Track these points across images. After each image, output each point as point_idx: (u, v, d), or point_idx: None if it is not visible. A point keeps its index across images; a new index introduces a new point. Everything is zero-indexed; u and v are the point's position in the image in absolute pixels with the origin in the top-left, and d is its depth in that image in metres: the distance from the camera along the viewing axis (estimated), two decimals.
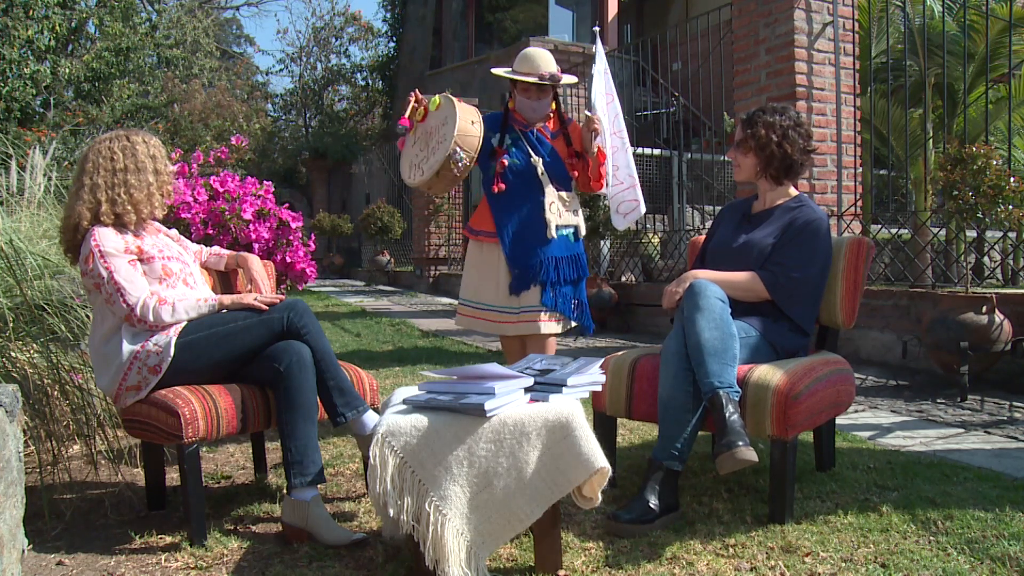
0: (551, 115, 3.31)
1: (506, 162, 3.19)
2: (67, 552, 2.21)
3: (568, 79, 3.25)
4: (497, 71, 3.33)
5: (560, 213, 3.21)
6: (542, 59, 3.19)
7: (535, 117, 3.25)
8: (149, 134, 2.55)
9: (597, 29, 3.97)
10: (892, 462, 2.85)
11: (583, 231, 3.33)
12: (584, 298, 3.32)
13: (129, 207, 2.41)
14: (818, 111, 5.29)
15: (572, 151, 3.28)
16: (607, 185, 3.49)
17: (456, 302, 3.50)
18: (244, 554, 2.16)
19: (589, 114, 3.27)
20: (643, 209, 3.80)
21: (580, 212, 3.32)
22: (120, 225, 2.42)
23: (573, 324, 3.28)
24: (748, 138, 2.69)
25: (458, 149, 2.94)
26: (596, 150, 3.26)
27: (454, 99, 3.04)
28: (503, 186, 3.18)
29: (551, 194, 3.20)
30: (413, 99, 3.13)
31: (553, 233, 3.18)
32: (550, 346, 3.26)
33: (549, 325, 3.20)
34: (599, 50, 3.88)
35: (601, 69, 3.77)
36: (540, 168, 3.19)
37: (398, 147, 3.25)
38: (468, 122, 2.98)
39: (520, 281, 3.18)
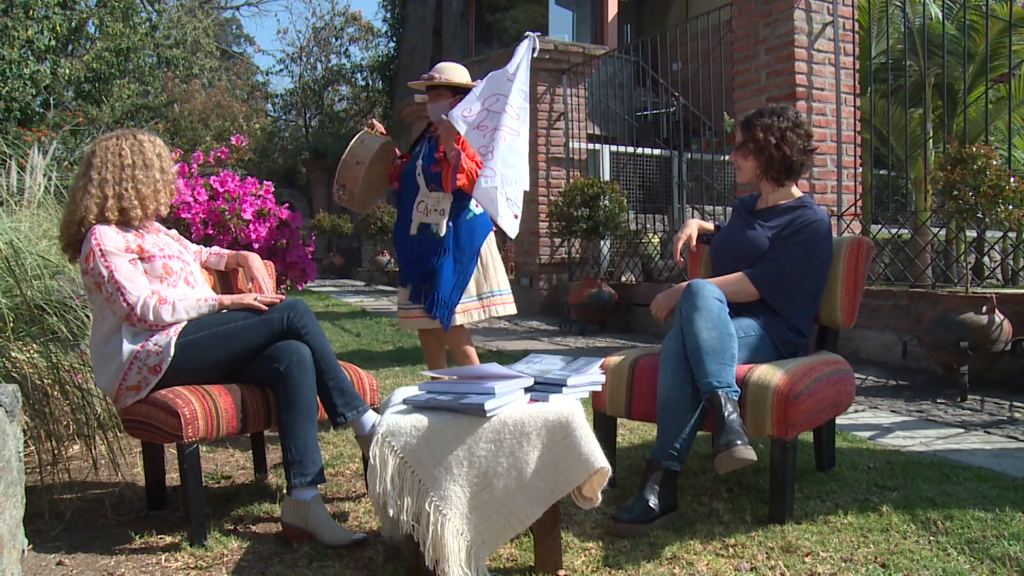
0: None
1: (400, 165, 3.53)
2: (67, 552, 2.21)
3: (453, 80, 3.37)
4: (414, 84, 3.60)
5: (427, 212, 3.38)
6: (445, 69, 3.45)
7: (435, 120, 3.44)
8: (153, 134, 2.56)
9: (537, 35, 3.35)
10: (892, 462, 2.85)
11: (442, 230, 3.34)
12: (442, 292, 3.32)
13: (136, 202, 2.42)
14: (818, 111, 5.29)
15: (442, 152, 3.39)
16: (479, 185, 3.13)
17: None
18: (244, 554, 2.16)
19: (444, 117, 3.19)
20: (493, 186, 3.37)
21: (446, 211, 3.36)
22: (123, 222, 2.42)
23: (497, 314, 3.43)
24: (747, 141, 2.69)
25: (341, 185, 3.51)
26: (453, 154, 3.29)
27: (358, 137, 3.45)
28: (396, 185, 3.52)
29: (421, 193, 3.41)
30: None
31: (413, 231, 3.39)
32: (459, 337, 3.41)
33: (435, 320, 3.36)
34: (528, 52, 3.19)
35: (512, 69, 3.14)
36: (417, 170, 3.43)
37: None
38: (354, 161, 3.43)
39: (400, 275, 3.51)
